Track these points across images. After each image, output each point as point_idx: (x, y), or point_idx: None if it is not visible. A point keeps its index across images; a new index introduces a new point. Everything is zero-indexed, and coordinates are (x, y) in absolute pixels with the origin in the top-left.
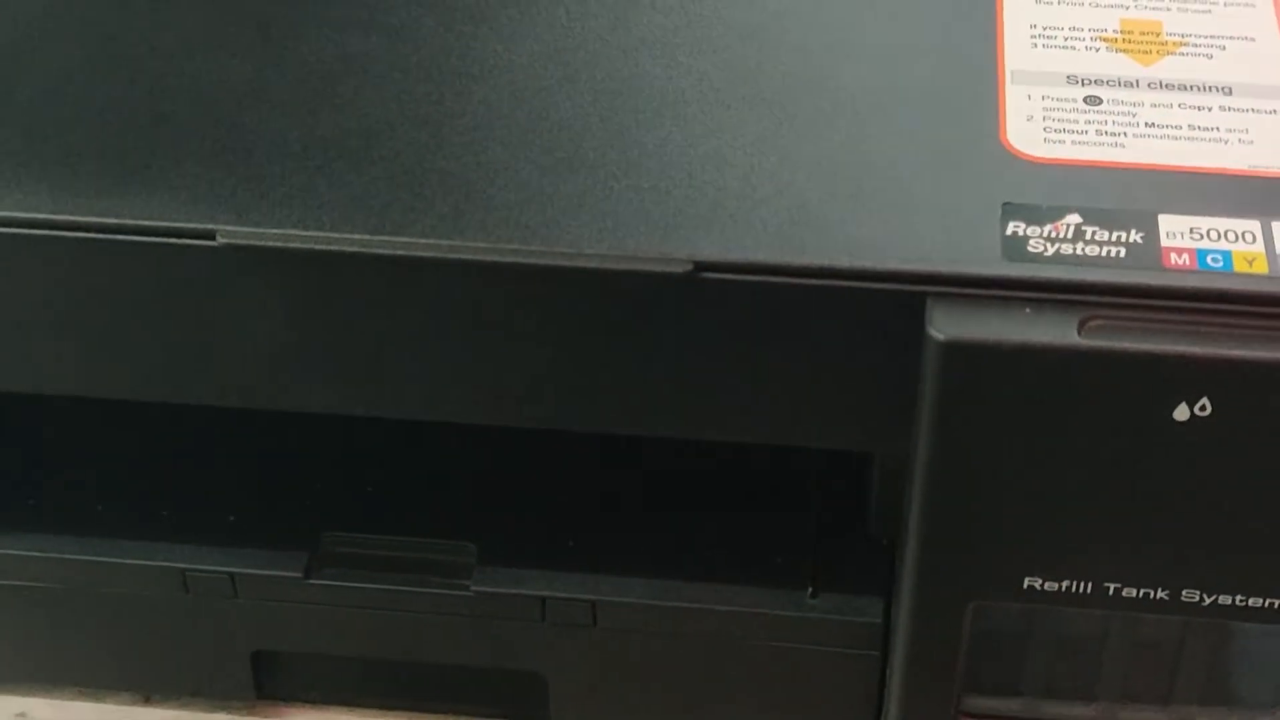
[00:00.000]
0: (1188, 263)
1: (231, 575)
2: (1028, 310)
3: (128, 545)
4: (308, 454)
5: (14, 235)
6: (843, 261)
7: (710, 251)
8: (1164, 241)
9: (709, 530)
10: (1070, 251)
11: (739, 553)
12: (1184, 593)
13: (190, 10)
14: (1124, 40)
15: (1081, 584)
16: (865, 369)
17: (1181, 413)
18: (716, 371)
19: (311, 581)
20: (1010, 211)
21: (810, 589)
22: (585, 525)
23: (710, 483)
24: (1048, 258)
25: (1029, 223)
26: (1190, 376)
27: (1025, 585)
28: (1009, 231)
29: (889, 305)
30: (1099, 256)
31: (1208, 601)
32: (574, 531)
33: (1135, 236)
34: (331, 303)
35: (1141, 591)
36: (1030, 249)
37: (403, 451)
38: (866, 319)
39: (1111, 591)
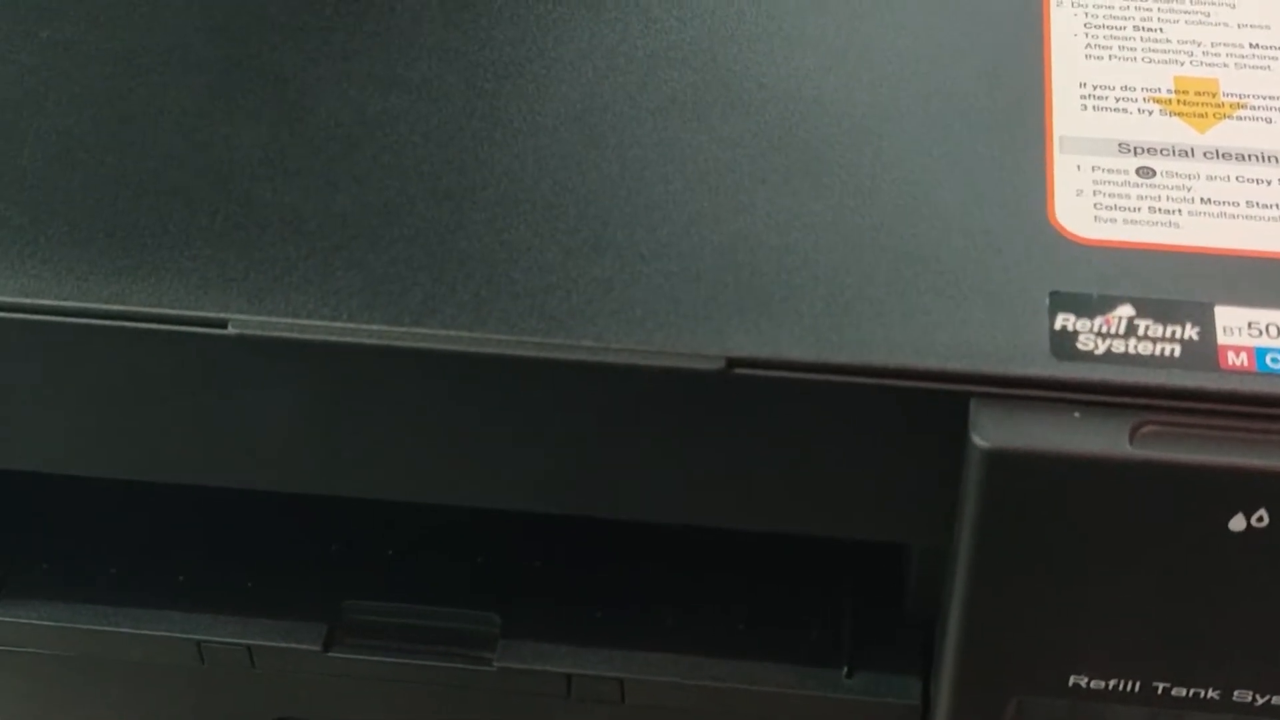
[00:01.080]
0: (1245, 363)
1: (249, 647)
2: (1077, 414)
3: (142, 615)
4: (328, 520)
5: (18, 320)
6: (882, 360)
7: (743, 346)
8: (1220, 338)
9: (741, 606)
10: (1122, 349)
11: (772, 629)
12: (1236, 693)
13: (200, 68)
14: (1178, 101)
15: (1129, 683)
16: (903, 465)
17: (1238, 523)
18: (746, 464)
19: (331, 654)
20: (1059, 302)
21: (845, 668)
22: (613, 598)
23: (742, 557)
24: (1098, 356)
25: (1079, 315)
26: (1248, 488)
27: (1070, 683)
28: (1058, 325)
29: (930, 404)
30: (1152, 355)
31: (1261, 701)
32: (601, 604)
33: (1190, 332)
34: (348, 391)
35: (1192, 691)
36: (1080, 345)
37: (425, 518)
38: (906, 417)
39: (1160, 690)
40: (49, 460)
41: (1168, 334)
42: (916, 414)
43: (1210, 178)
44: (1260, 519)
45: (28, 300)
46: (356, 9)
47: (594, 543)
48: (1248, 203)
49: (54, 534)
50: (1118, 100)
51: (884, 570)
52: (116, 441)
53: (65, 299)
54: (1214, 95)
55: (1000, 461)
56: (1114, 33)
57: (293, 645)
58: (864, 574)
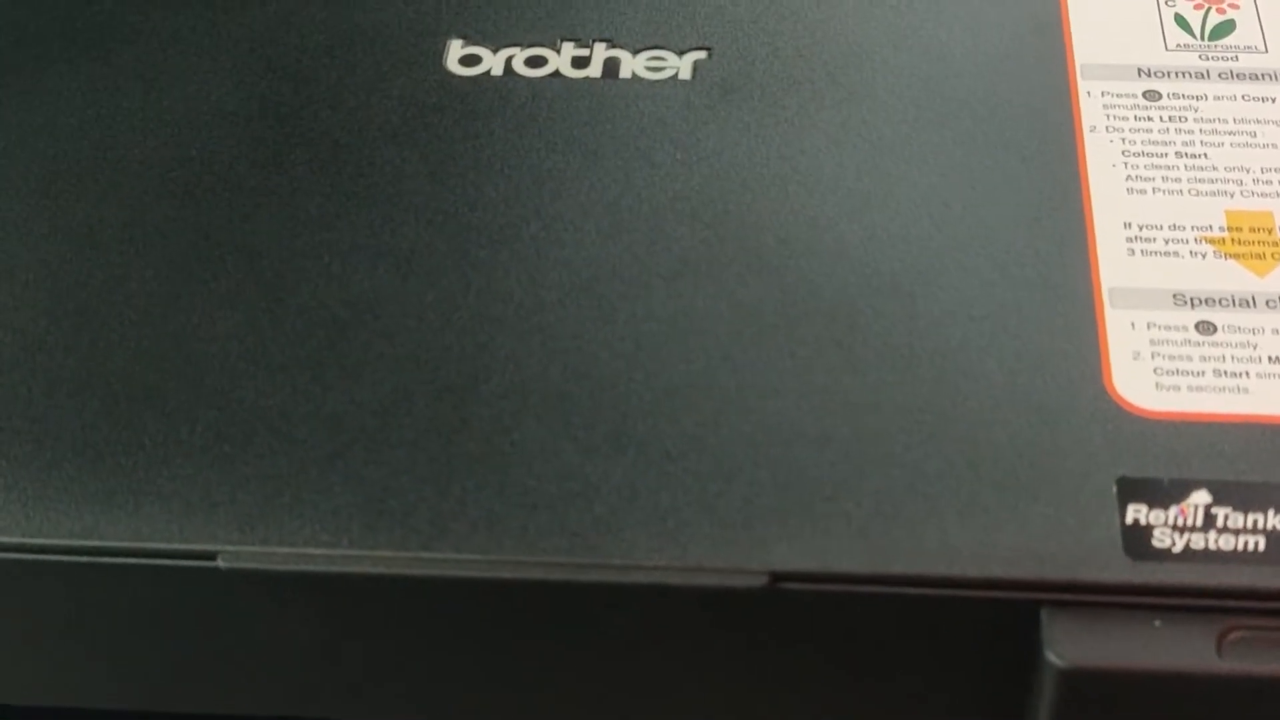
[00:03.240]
0: None
1: None
2: (1157, 623)
3: None
4: None
5: None
6: (941, 569)
7: (787, 559)
8: None
9: None
10: (1201, 545)
11: None
12: None
13: (164, 244)
14: (1233, 241)
15: None
16: (967, 676)
17: None
18: (792, 679)
19: None
20: (1128, 490)
21: None
22: None
23: None
24: (1176, 554)
25: (1151, 505)
26: None
27: None
28: (1129, 519)
29: (996, 614)
30: (1234, 551)
31: None
32: None
33: (1274, 520)
34: (352, 621)
35: None
36: (1155, 542)
37: None
38: (970, 628)
39: None
40: (22, 694)
41: (1249, 524)
42: (981, 625)
43: (1276, 331)
44: None
45: None
46: (331, 167)
47: None
48: None
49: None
50: (1167, 242)
51: None
52: (95, 676)
53: (32, 535)
54: (1270, 231)
55: (1079, 680)
56: (1155, 161)
57: None
58: None
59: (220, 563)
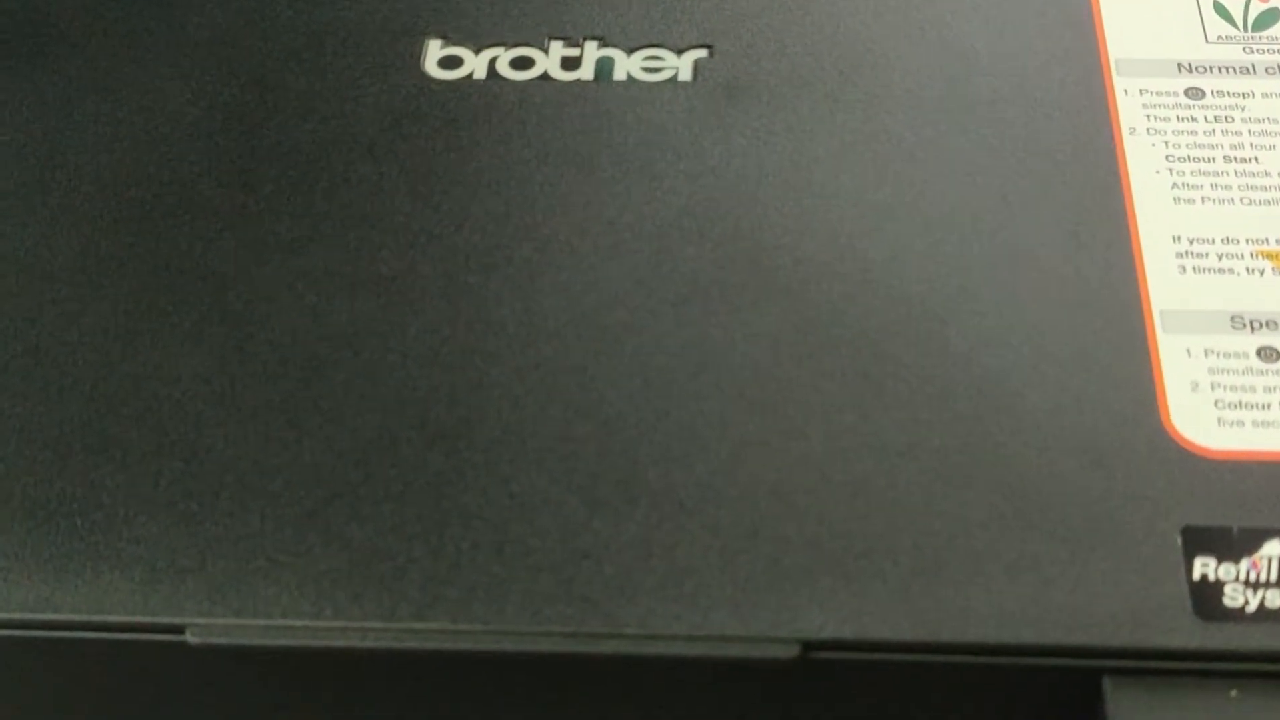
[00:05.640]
0: None
1: None
2: (1233, 693)
3: None
4: None
5: None
6: (992, 635)
7: (820, 626)
8: None
9: None
10: (1277, 604)
11: None
12: None
13: (121, 275)
14: None
15: None
16: None
17: None
18: None
19: None
20: (1193, 542)
21: None
22: None
23: None
24: (1250, 614)
25: (1220, 559)
26: None
27: None
28: (1197, 574)
29: (1052, 684)
30: None
31: None
32: None
33: None
34: (336, 700)
35: None
36: (1227, 600)
37: None
38: (1024, 700)
39: None
40: None
41: None
42: (1036, 696)
43: None
44: None
45: None
46: (302, 184)
47: None
48: None
49: None
50: (1220, 257)
51: None
52: None
53: None
54: None
55: None
56: (1202, 166)
57: None
58: None
59: (189, 637)
